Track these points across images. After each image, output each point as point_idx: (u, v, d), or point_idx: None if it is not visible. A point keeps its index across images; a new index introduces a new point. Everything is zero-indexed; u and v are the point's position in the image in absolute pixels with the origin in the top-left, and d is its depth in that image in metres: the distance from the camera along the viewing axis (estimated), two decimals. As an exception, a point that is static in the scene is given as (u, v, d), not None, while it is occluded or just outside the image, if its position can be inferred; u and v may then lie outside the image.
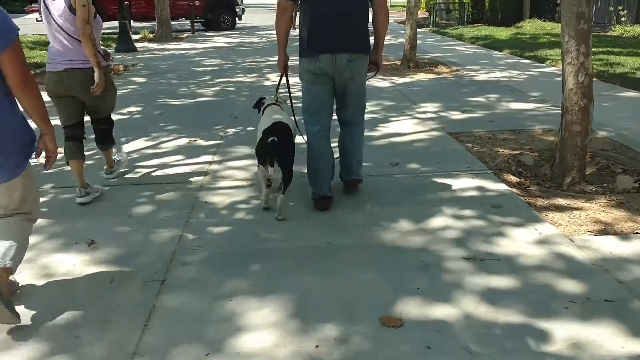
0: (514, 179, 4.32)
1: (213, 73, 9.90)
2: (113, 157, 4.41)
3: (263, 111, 4.08)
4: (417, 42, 10.62)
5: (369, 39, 3.64)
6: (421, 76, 9.22)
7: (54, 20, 3.59)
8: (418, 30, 19.23)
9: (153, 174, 4.55)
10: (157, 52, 13.03)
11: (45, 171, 2.73)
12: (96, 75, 3.63)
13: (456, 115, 6.42)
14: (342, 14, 3.45)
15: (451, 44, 14.10)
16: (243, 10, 20.55)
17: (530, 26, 17.08)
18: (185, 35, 17.65)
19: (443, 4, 21.42)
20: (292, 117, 4.07)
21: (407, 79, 8.95)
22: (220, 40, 16.11)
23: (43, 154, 2.48)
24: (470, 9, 19.71)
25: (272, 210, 3.70)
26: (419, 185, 4.18)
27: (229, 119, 6.43)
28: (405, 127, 5.90)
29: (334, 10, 3.44)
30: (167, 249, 3.19)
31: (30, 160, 2.42)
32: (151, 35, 16.50)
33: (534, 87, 7.91)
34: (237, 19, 20.14)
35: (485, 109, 6.71)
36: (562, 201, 3.90)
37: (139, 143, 5.44)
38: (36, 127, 2.45)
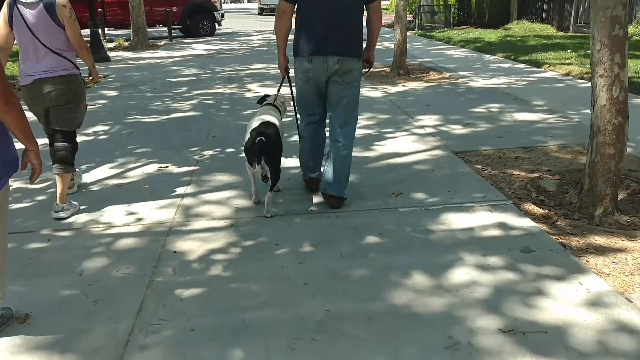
0: (537, 210, 3.70)
1: (190, 84, 9.19)
2: (69, 189, 3.96)
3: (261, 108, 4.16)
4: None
5: (362, 43, 3.70)
6: (414, 84, 8.61)
7: (31, 32, 3.49)
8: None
9: (115, 212, 3.85)
10: (131, 62, 12.27)
11: (30, 185, 2.73)
12: (92, 71, 3.98)
13: (458, 129, 5.81)
14: (336, 17, 3.51)
15: (440, 48, 13.55)
16: (222, 15, 19.84)
17: (519, 28, 16.61)
18: (162, 42, 16.89)
19: (428, 7, 20.90)
20: (295, 117, 4.19)
21: (399, 88, 8.33)
22: (198, 47, 15.39)
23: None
24: (456, 11, 19.21)
25: (258, 217, 3.09)
26: (429, 221, 3.54)
27: (206, 138, 5.74)
28: (404, 146, 5.27)
29: (328, 14, 3.50)
30: (122, 324, 2.51)
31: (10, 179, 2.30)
32: (126, 44, 15.72)
33: (536, 95, 7.34)
34: (216, 24, 19.41)
35: (489, 121, 6.11)
36: (599, 240, 3.29)
37: (102, 171, 4.73)
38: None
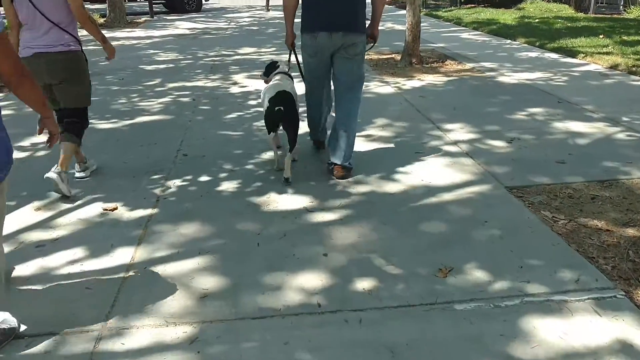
0: (666, 308, 2.41)
1: (165, 74, 7.77)
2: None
3: (274, 76, 4.20)
4: None
5: (365, 19, 3.77)
6: (431, 78, 7.24)
7: (32, 4, 3.37)
8: (402, 12, 17.23)
9: (19, 299, 2.52)
10: (103, 43, 10.76)
11: (48, 150, 2.65)
12: (106, 48, 3.79)
13: (502, 147, 4.50)
14: None
15: (450, 31, 12.10)
16: (210, -11, 18.21)
17: (534, 8, 15.19)
18: (143, 19, 15.35)
19: (433, -18, 19.36)
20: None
21: (415, 83, 6.95)
22: (182, 25, 13.87)
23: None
24: (464, -12, 17.68)
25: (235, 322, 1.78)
26: (507, 337, 2.24)
27: (175, 157, 4.40)
28: (437, 174, 3.96)
29: None
30: None
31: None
32: (102, 20, 14.16)
33: (584, 96, 6.02)
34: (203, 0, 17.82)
35: (537, 134, 4.79)
36: None
37: (24, 214, 3.40)
38: None
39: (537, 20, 12.73)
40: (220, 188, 3.78)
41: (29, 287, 2.64)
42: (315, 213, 3.37)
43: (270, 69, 4.35)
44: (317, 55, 3.81)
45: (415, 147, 4.55)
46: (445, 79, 7.15)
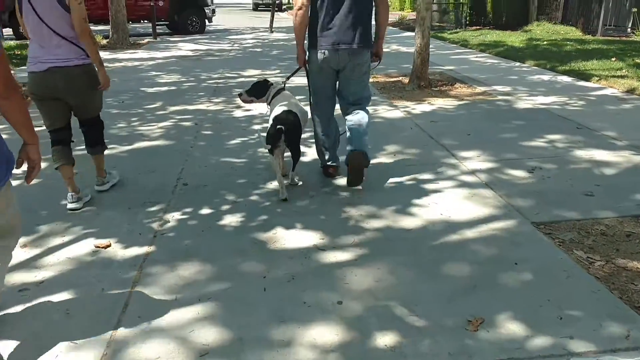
0: None
1: (167, 96, 7.54)
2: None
3: (272, 96, 4.18)
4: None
5: (371, 34, 3.87)
6: (442, 102, 7.00)
7: (37, 16, 3.32)
8: (409, 34, 17.14)
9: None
10: (105, 64, 10.56)
11: (26, 184, 2.25)
12: (100, 74, 3.61)
13: (523, 177, 4.22)
14: (348, 10, 3.69)
15: (456, 52, 11.92)
16: (213, 11, 18.15)
17: (541, 30, 15.03)
18: (146, 40, 15.21)
19: (436, 4, 19.25)
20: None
21: (425, 107, 6.70)
22: (185, 47, 13.72)
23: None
24: (468, 10, 17.58)
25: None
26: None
27: (175, 187, 4.12)
28: (456, 207, 3.68)
29: (341, 7, 3.68)
30: None
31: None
32: (104, 42, 14.02)
33: (604, 122, 5.76)
34: (206, 21, 17.73)
35: (559, 163, 4.52)
36: None
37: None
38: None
39: (545, 42, 12.55)
40: (223, 222, 3.50)
41: (7, 340, 2.34)
42: (326, 252, 3.08)
43: (261, 88, 4.29)
44: (322, 72, 3.89)
45: (431, 176, 4.27)
46: (456, 103, 6.90)
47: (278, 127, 3.64)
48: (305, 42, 3.94)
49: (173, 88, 8.18)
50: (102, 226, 3.45)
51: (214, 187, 4.10)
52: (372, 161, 4.53)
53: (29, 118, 2.07)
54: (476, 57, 11.19)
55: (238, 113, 6.49)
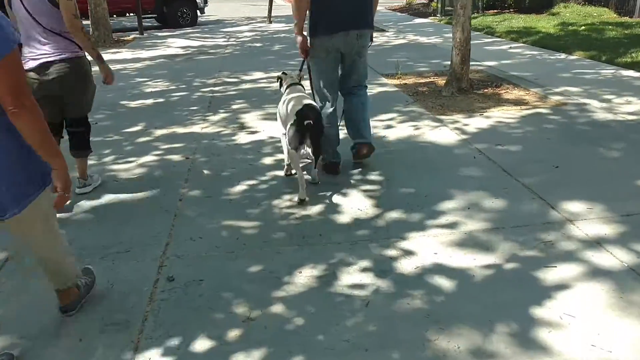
0: None
1: (152, 113, 6.09)
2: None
3: (286, 89, 4.01)
4: (437, 40, 6.94)
5: (372, 15, 3.93)
6: (497, 112, 5.56)
7: (27, 12, 3.30)
8: (421, 20, 15.55)
9: None
10: (81, 69, 9.10)
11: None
12: (101, 70, 3.63)
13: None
14: None
15: (487, 43, 10.39)
16: (205, 1, 16.55)
17: (570, 12, 13.51)
18: (131, 37, 13.68)
19: (450, -14, 17.67)
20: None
21: (479, 121, 5.26)
22: (175, 43, 12.20)
23: None
24: (485, -7, 15.99)
25: None
26: None
27: (155, 287, 2.69)
28: (603, 323, 2.26)
29: None
30: None
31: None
32: (84, 39, 12.46)
33: None
34: (198, 12, 16.16)
35: None
36: None
37: None
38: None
39: (582, 27, 11.05)
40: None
41: None
42: None
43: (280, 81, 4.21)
44: (329, 56, 3.85)
45: (536, 253, 2.85)
46: (517, 114, 5.45)
47: (306, 122, 3.42)
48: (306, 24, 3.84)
49: (160, 100, 6.72)
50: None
51: (213, 284, 2.69)
52: (434, 222, 3.14)
53: (47, 136, 1.86)
54: (510, 47, 9.69)
55: (242, 138, 5.04)
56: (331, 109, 3.97)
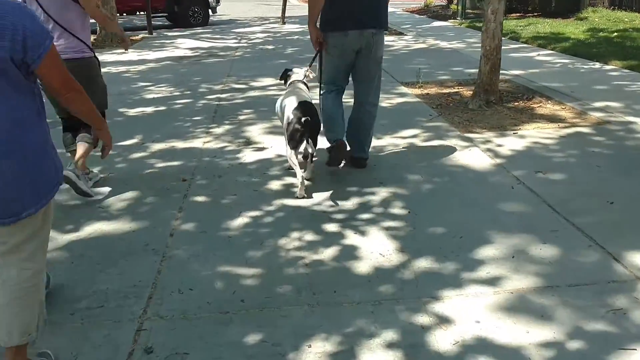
0: None
1: (151, 123, 5.59)
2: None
3: (288, 86, 4.08)
4: (459, 45, 6.36)
5: (387, 14, 3.92)
6: (532, 130, 4.98)
7: (41, 7, 3.30)
8: (441, 23, 14.88)
9: None
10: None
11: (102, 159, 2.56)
12: (118, 33, 3.96)
13: None
14: None
15: (513, 49, 9.71)
16: (218, 0, 16.05)
17: (600, 17, 12.84)
18: (140, 36, 13.22)
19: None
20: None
21: (513, 140, 4.68)
22: (184, 44, 11.71)
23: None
24: (508, -5, 15.33)
25: None
26: None
27: (130, 358, 2.14)
28: None
29: None
30: None
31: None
32: (92, 39, 12.01)
33: None
34: (210, 11, 15.68)
35: None
36: None
37: None
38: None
39: (614, 34, 10.40)
40: None
41: None
42: None
43: (284, 73, 4.27)
44: (343, 55, 3.82)
45: (604, 325, 2.28)
46: (555, 133, 4.87)
47: (304, 119, 3.48)
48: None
49: (161, 108, 6.20)
50: None
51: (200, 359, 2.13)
52: (470, 275, 2.55)
53: (92, 109, 2.14)
54: (539, 55, 9.07)
55: (247, 156, 4.51)
56: (331, 94, 3.99)
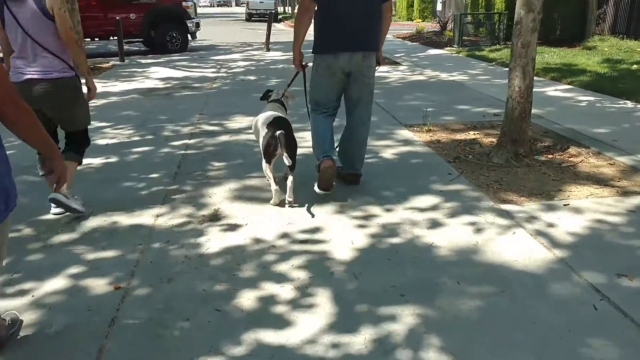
0: None
1: (90, 186, 4.35)
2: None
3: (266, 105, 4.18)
4: (462, 78, 5.28)
5: (379, 37, 3.90)
6: (585, 199, 3.85)
7: (20, 27, 3.27)
8: (436, 51, 13.82)
9: None
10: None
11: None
12: (89, 83, 3.63)
13: None
14: (360, 15, 3.66)
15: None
16: (197, 25, 14.92)
17: (609, 47, 11.93)
18: (110, 63, 12.02)
19: (470, 15, 16.13)
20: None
21: (567, 216, 3.53)
22: (156, 73, 10.52)
23: None
24: (507, 22, 14.41)
25: None
26: None
27: None
28: None
29: (353, 12, 3.65)
30: None
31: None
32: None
33: None
34: (189, 36, 14.56)
35: None
36: None
37: None
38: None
39: (635, 66, 9.42)
40: None
41: None
42: None
43: (265, 95, 4.36)
44: (334, 77, 3.81)
45: None
46: (618, 204, 3.73)
47: (278, 132, 3.53)
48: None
49: (111, 160, 4.98)
50: None
51: None
52: None
53: (44, 133, 2.04)
54: (556, 90, 8.01)
55: (212, 239, 3.29)
56: (321, 115, 3.96)
